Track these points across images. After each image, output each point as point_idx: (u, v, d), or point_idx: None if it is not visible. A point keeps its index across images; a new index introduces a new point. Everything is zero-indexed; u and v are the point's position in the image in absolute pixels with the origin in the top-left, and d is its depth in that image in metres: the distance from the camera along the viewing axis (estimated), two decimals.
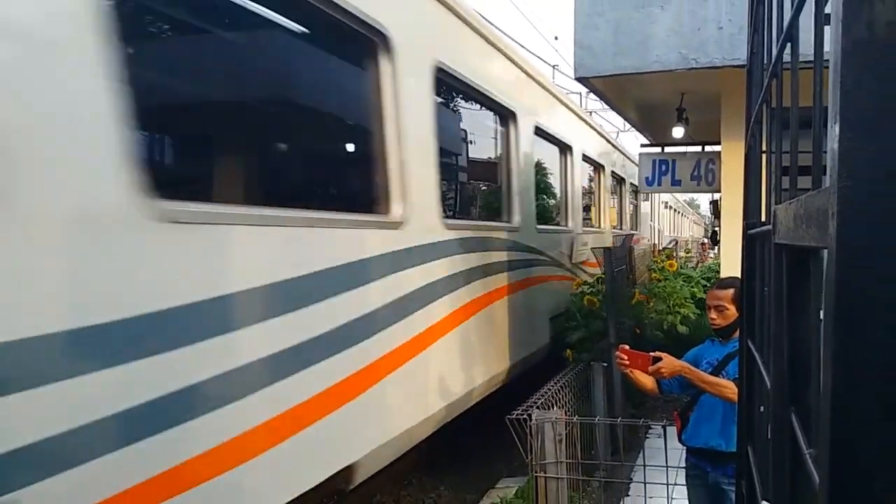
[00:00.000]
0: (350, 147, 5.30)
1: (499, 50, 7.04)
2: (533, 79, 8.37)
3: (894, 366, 0.54)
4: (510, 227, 7.41)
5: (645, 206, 21.86)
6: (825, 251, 0.89)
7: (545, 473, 5.02)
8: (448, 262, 5.59)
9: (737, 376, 3.41)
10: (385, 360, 4.64)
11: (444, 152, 5.82)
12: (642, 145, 11.93)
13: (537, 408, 5.43)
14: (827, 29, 0.95)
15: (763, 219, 1.70)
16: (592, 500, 6.26)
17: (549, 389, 6.23)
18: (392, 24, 4.65)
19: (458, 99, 6.58)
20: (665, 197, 30.62)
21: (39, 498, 2.45)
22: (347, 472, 4.34)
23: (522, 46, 16.92)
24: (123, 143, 2.74)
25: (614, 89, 7.81)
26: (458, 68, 5.85)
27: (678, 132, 9.44)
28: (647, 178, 10.35)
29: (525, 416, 5.16)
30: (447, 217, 5.72)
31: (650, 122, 11.03)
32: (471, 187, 7.65)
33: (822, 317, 0.88)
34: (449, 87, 6.09)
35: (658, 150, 10.84)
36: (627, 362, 4.12)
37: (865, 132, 0.54)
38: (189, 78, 3.71)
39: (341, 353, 4.15)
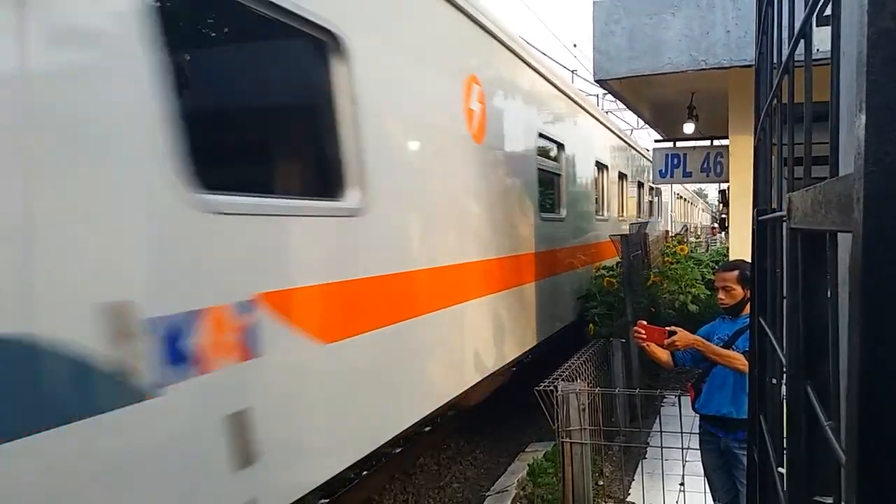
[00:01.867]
0: None
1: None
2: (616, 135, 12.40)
3: None
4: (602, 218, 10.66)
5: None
6: (841, 234, 0.86)
7: (570, 439, 5.00)
8: None
9: (746, 349, 3.35)
10: None
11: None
12: (655, 140, 11.79)
13: (562, 380, 5.40)
14: (842, 24, 0.90)
15: (774, 206, 1.65)
16: (613, 463, 6.22)
17: (573, 363, 6.19)
18: None
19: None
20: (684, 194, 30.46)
21: None
22: None
23: (544, 54, 16.77)
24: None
25: (629, 90, 7.72)
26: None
27: (689, 128, 9.31)
28: (660, 171, 10.21)
29: (551, 387, 5.14)
30: None
31: (662, 119, 10.88)
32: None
33: (841, 296, 0.84)
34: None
35: (670, 144, 10.71)
36: (644, 336, 4.08)
37: (891, 119, 0.51)
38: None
39: None
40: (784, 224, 1.21)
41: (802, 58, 1.12)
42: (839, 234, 0.79)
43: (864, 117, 0.52)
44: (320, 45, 3.50)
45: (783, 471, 1.21)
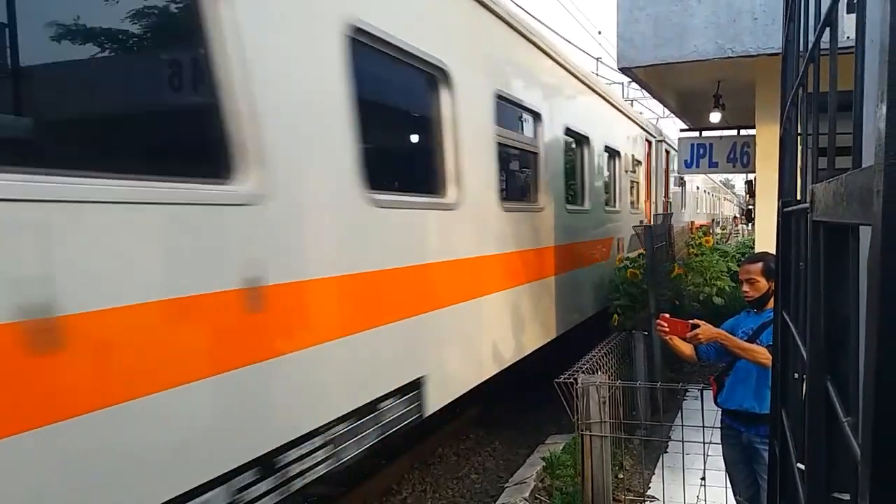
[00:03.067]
0: None
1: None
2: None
3: None
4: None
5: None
6: (863, 227, 0.84)
7: (590, 432, 4.99)
8: None
9: (770, 344, 3.32)
10: None
11: None
12: (681, 130, 11.68)
13: (583, 372, 5.38)
14: (868, 12, 0.89)
15: (799, 197, 1.63)
16: (634, 457, 6.20)
17: (594, 355, 6.17)
18: None
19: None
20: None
21: None
22: None
23: (568, 42, 16.67)
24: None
25: (654, 78, 7.65)
26: None
27: (715, 117, 9.21)
28: (685, 161, 10.13)
29: (572, 379, 5.13)
30: None
31: (688, 108, 10.78)
32: None
33: (862, 290, 0.83)
34: None
35: (696, 134, 10.61)
36: (667, 329, 4.05)
37: None
38: None
39: None
40: (808, 216, 1.20)
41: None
42: (861, 227, 0.78)
43: (885, 108, 0.51)
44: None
45: (803, 466, 1.20)
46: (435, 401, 4.32)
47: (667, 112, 15.90)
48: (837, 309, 0.95)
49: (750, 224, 19.59)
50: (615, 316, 7.73)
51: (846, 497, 0.91)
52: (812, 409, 1.03)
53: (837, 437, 0.87)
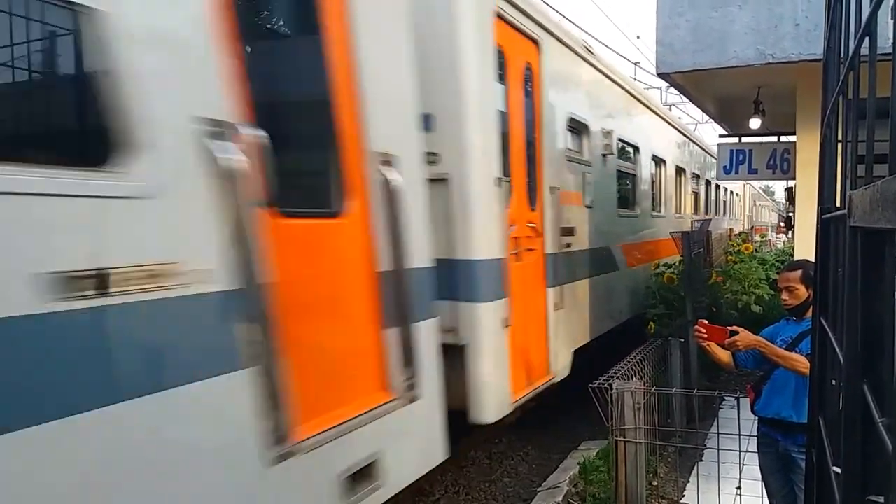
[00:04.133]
0: None
1: None
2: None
3: None
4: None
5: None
6: None
7: (625, 438, 4.97)
8: None
9: (809, 352, 3.29)
10: None
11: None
12: (720, 136, 11.57)
13: (618, 378, 5.37)
14: None
15: (838, 204, 1.63)
16: (668, 464, 6.16)
17: (629, 362, 6.15)
18: None
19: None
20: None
21: None
22: None
23: (606, 46, 16.62)
24: None
25: (693, 84, 7.60)
26: None
27: (755, 123, 9.11)
28: (724, 167, 10.02)
29: (606, 385, 5.12)
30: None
31: (728, 113, 10.67)
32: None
33: None
34: None
35: (735, 140, 10.51)
36: (705, 335, 4.02)
37: None
38: None
39: None
40: (846, 222, 1.21)
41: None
42: None
43: None
44: None
45: (839, 470, 1.21)
46: None
47: (706, 118, 15.77)
48: (873, 313, 0.96)
49: (790, 232, 19.35)
50: (651, 324, 7.70)
51: (881, 500, 0.92)
52: (848, 412, 1.04)
53: (873, 438, 0.89)
